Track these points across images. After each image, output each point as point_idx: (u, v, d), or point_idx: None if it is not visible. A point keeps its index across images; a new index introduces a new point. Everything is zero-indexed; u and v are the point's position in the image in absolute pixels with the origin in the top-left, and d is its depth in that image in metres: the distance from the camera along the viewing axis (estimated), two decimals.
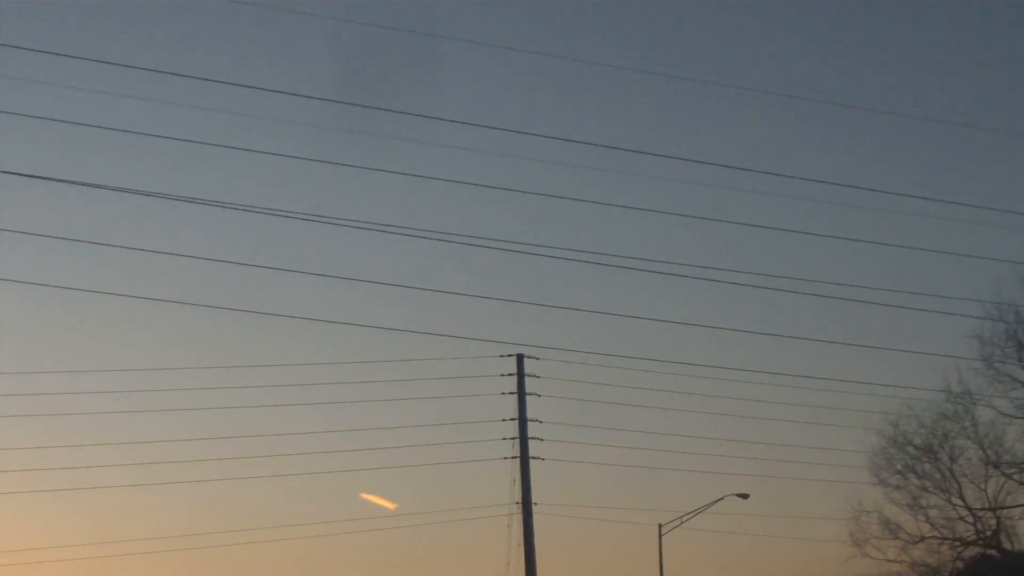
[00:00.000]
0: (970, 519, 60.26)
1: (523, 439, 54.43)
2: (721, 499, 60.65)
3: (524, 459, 54.32)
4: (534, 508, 54.00)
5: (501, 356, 54.88)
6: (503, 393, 54.81)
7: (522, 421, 54.57)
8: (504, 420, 54.66)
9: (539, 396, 54.93)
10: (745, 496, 60.71)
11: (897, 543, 60.54)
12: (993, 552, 60.98)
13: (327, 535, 59.33)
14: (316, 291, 77.37)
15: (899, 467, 60.89)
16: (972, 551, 61.52)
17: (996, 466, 59.29)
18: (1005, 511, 60.27)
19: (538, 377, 54.88)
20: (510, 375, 54.82)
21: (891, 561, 60.49)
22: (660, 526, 61.68)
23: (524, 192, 50.04)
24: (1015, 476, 59.47)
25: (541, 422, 54.78)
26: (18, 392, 54.96)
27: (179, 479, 58.61)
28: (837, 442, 64.29)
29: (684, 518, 61.19)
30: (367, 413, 63.29)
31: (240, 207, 35.37)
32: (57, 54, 31.26)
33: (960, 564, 61.31)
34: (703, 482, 61.95)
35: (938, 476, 60.39)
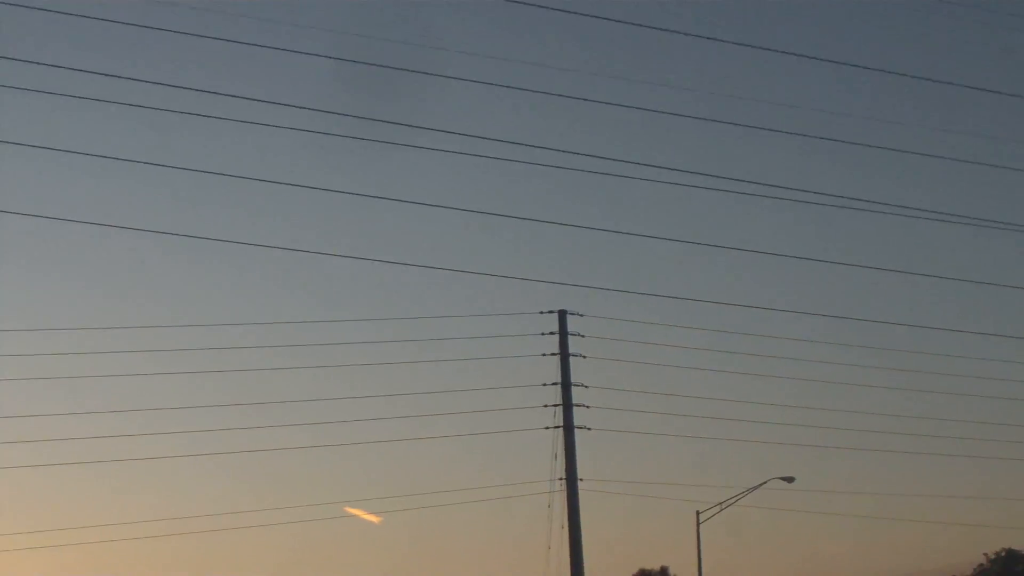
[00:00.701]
0: None
1: (566, 406, 47.96)
2: (765, 483, 55.20)
3: (568, 428, 47.82)
4: (579, 484, 47.58)
5: (541, 313, 48.51)
6: (544, 354, 48.39)
7: (565, 385, 48.11)
8: (545, 384, 48.21)
9: (584, 357, 48.52)
10: (790, 479, 55.28)
11: None
12: None
13: (328, 519, 52.15)
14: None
15: None
16: None
17: None
18: None
19: (583, 336, 48.53)
20: (551, 334, 48.42)
21: None
22: (698, 513, 55.90)
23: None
24: None
25: (587, 387, 48.37)
26: None
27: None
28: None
29: (723, 504, 55.50)
30: (389, 377, 56.15)
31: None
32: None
33: None
34: (760, 452, 56.08)
35: None
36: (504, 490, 52.19)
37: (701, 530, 55.42)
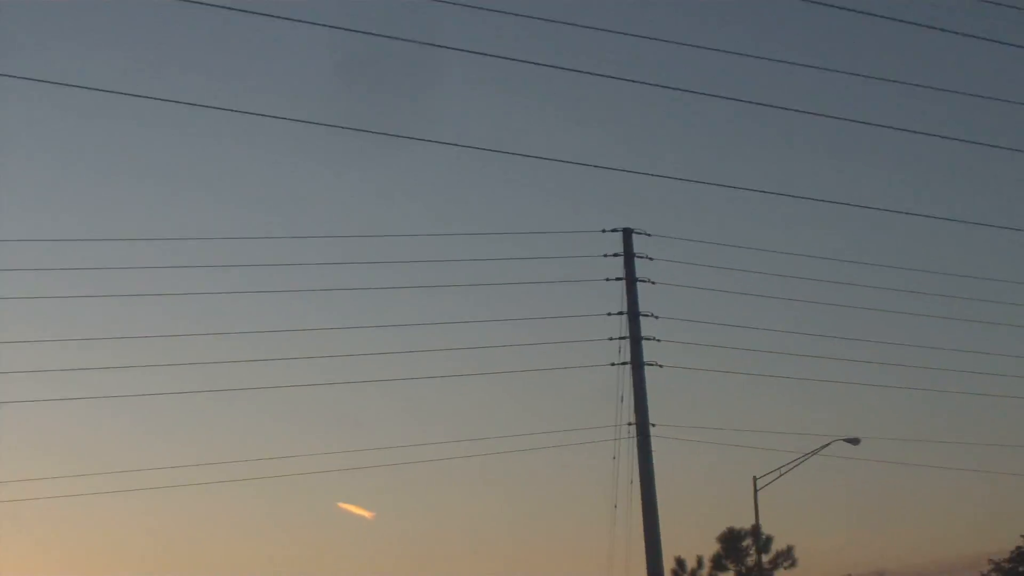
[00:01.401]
0: None
1: (634, 339, 41.00)
2: (828, 444, 49.19)
3: (637, 365, 40.82)
4: (651, 430, 40.58)
5: (603, 231, 41.65)
6: (607, 279, 41.48)
7: (632, 316, 41.17)
8: (610, 314, 41.26)
9: (653, 284, 41.70)
10: (855, 441, 49.31)
11: None
12: None
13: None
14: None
15: None
16: None
17: None
18: None
19: (651, 259, 41.72)
20: (615, 256, 41.56)
21: None
22: (755, 479, 49.57)
23: None
24: None
25: (656, 317, 41.48)
26: None
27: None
28: None
29: (783, 469, 49.27)
30: (425, 306, 48.69)
31: None
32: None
33: None
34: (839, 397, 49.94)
35: None
36: (562, 438, 44.82)
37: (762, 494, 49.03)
